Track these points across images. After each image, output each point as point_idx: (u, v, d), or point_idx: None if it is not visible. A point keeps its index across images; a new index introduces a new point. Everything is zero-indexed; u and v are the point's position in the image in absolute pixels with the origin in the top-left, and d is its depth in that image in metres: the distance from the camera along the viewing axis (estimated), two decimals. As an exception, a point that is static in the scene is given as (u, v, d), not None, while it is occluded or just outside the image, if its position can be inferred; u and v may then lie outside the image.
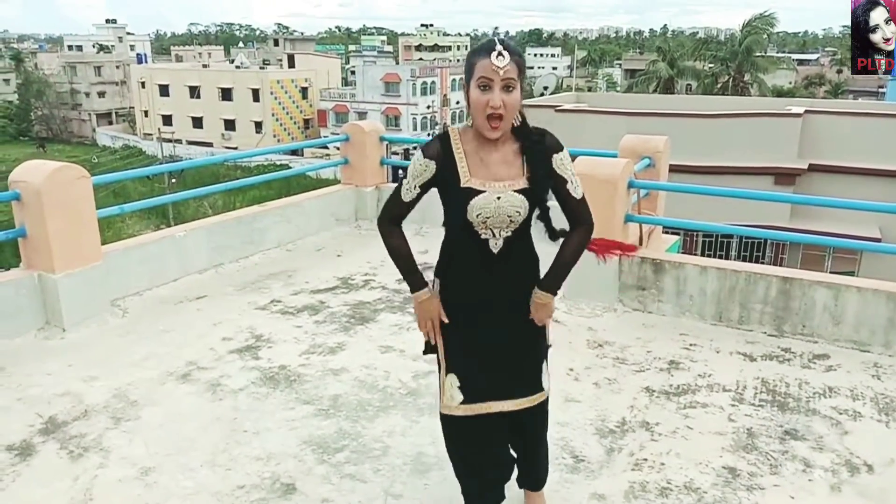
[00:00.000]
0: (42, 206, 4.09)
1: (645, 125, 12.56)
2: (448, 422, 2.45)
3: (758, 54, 35.65)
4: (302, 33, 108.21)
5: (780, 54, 61.59)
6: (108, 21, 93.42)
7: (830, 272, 11.10)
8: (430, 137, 2.43)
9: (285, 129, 53.59)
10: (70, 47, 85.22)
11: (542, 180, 2.26)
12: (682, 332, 4.44)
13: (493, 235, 2.26)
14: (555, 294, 2.39)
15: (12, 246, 4.77)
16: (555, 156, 2.27)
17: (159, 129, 49.79)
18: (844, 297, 4.20)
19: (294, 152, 45.88)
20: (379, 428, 3.33)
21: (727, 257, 13.12)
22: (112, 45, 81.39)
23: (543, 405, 2.51)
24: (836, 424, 3.41)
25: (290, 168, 31.93)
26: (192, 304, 4.81)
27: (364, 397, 3.61)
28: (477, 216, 2.22)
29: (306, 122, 55.52)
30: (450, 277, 2.39)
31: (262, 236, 5.83)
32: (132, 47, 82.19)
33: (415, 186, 2.31)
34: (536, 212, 2.30)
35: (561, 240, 2.41)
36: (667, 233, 6.03)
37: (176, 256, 5.12)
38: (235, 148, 47.31)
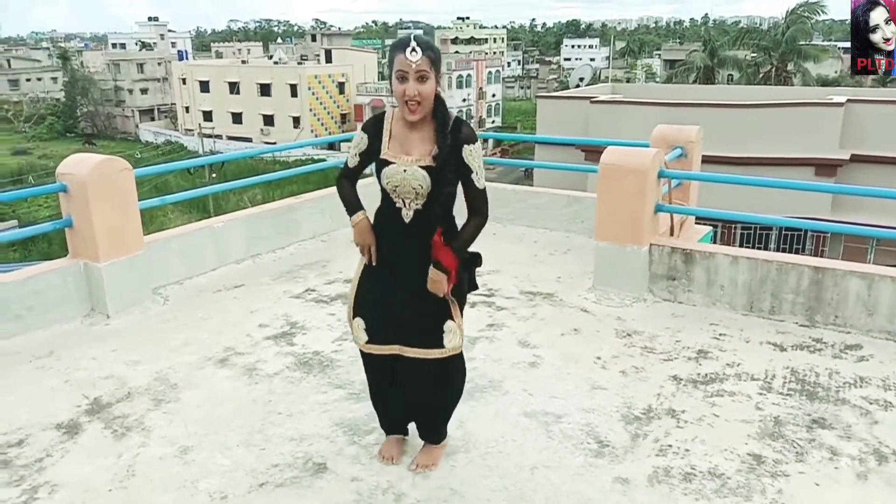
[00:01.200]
0: (87, 198, 4.26)
1: (681, 116, 12.42)
2: (362, 354, 2.93)
3: (802, 43, 34.81)
4: (339, 28, 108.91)
5: (825, 42, 59.90)
6: (150, 19, 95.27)
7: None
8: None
9: (322, 124, 54.10)
10: (114, 45, 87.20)
11: (446, 162, 2.57)
12: (713, 322, 4.44)
13: (405, 205, 2.64)
14: (446, 274, 2.63)
15: (61, 238, 4.96)
16: (466, 146, 2.59)
17: (200, 124, 50.72)
18: (878, 287, 4.15)
19: (331, 146, 46.34)
20: (408, 412, 3.42)
21: (766, 250, 12.92)
22: (154, 43, 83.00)
23: (445, 363, 2.78)
24: (866, 414, 3.39)
25: (326, 161, 32.21)
26: (230, 292, 4.97)
27: (394, 383, 3.69)
28: (387, 183, 2.62)
29: (343, 116, 55.95)
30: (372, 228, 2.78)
31: (297, 227, 5.97)
32: (173, 44, 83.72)
33: (355, 154, 2.74)
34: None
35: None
36: (700, 223, 6.01)
37: (214, 247, 5.29)
38: (274, 143, 47.93)
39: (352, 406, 3.48)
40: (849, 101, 13.60)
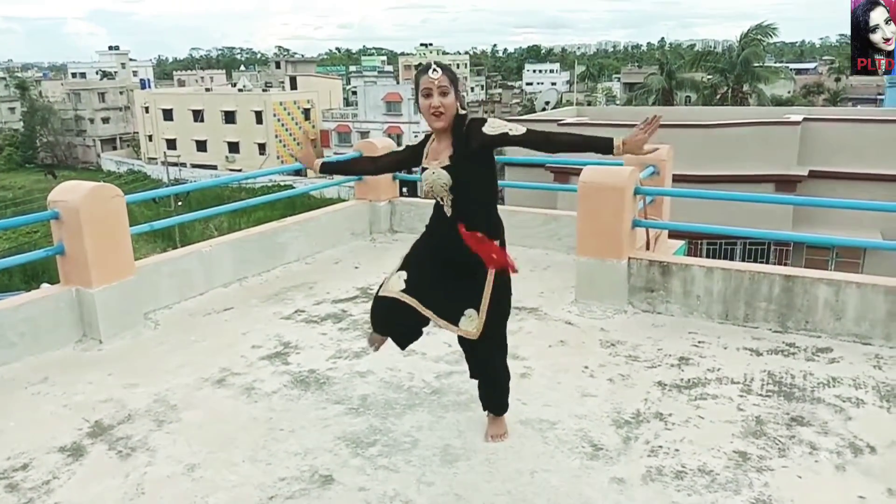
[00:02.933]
0: (80, 224, 4.32)
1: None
2: (381, 300, 3.25)
3: (756, 65, 35.99)
4: (303, 55, 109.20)
5: (777, 64, 61.97)
6: (110, 48, 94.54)
7: (834, 276, 11.25)
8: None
9: (289, 151, 54.03)
10: (74, 74, 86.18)
11: (465, 157, 2.98)
12: (691, 330, 4.64)
13: (443, 201, 3.08)
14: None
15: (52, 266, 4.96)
16: (481, 128, 2.97)
17: (164, 152, 50.28)
18: (845, 292, 4.40)
19: (297, 172, 46.21)
20: (407, 424, 3.53)
21: (731, 264, 13.28)
22: (115, 72, 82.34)
23: (481, 341, 3.17)
24: (840, 411, 3.60)
25: (294, 188, 32.22)
26: (220, 315, 5.03)
27: (391, 396, 3.81)
28: (424, 185, 3.11)
29: (311, 142, 55.97)
30: (428, 226, 3.25)
31: (282, 250, 6.06)
32: (135, 73, 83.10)
33: (396, 150, 3.58)
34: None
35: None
36: (673, 237, 6.25)
37: (203, 271, 5.35)
38: (240, 170, 47.70)
39: (352, 420, 3.57)
40: (805, 119, 14.16)
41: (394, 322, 3.31)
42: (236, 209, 6.65)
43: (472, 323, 3.14)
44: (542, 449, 3.29)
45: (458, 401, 3.75)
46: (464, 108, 3.06)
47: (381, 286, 3.28)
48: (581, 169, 4.96)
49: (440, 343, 4.48)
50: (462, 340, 3.26)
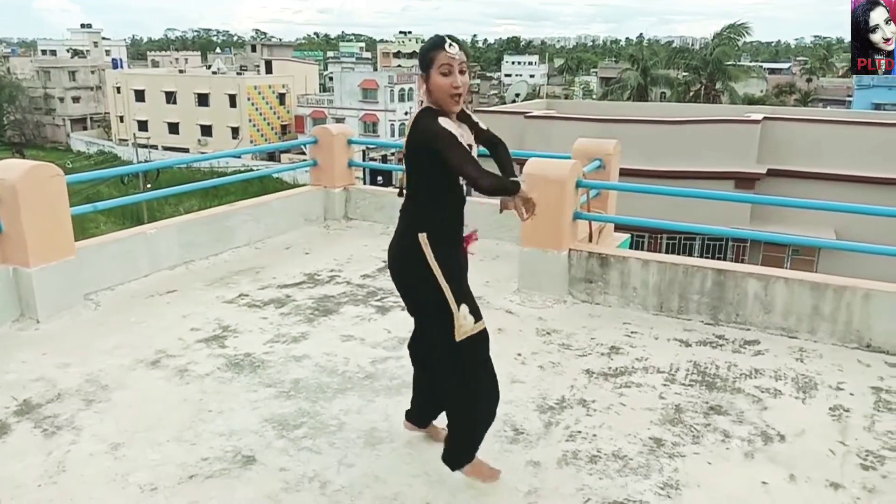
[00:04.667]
0: (18, 203, 4.29)
1: (610, 131, 12.95)
2: (473, 341, 2.81)
3: (728, 63, 36.44)
4: (280, 39, 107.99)
5: (752, 63, 62.74)
6: (83, 26, 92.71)
7: (788, 273, 11.50)
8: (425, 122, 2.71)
9: (262, 135, 53.59)
10: (44, 52, 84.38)
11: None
12: (626, 321, 4.74)
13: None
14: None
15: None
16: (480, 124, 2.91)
17: (135, 134, 49.57)
18: (773, 287, 4.53)
19: (271, 157, 45.93)
20: (336, 407, 3.58)
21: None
22: (87, 50, 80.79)
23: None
24: (757, 401, 3.72)
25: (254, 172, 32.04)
26: (163, 297, 5.03)
27: (324, 381, 3.86)
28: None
29: (284, 127, 55.56)
30: (451, 233, 2.83)
31: (231, 235, 6.05)
32: (108, 52, 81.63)
33: (468, 145, 2.72)
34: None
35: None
36: (620, 232, 6.36)
37: (147, 253, 5.33)
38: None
39: (282, 403, 3.62)
40: (765, 118, 14.41)
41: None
42: (185, 191, 6.62)
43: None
44: (464, 433, 3.36)
45: (390, 385, 3.81)
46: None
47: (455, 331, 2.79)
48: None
49: (380, 329, 4.54)
50: None
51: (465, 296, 2.80)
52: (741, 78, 36.87)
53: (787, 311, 4.51)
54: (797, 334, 4.51)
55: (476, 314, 2.82)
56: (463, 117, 2.85)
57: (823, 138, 14.08)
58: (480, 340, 2.85)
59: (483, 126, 2.96)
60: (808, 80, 63.31)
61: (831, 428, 3.48)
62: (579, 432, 3.39)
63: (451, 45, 2.62)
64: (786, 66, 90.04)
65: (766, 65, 79.20)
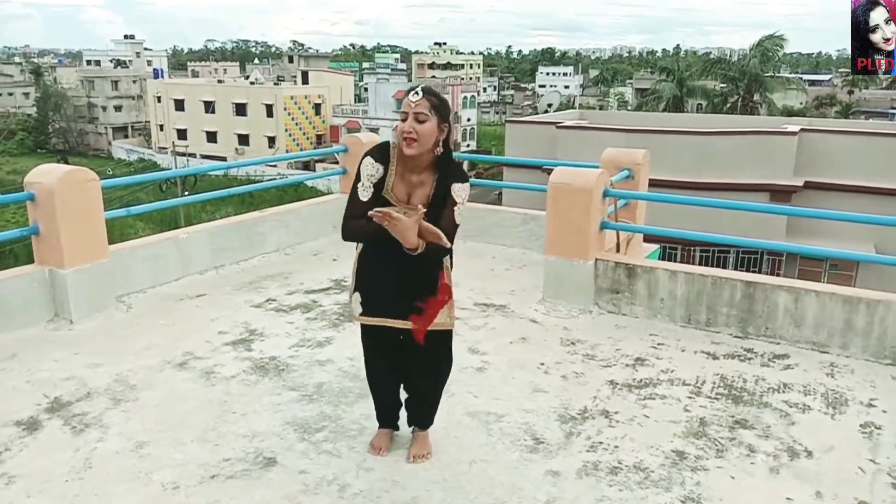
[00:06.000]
0: (54, 206, 4.41)
1: (643, 141, 12.84)
2: (361, 330, 3.16)
3: (767, 74, 35.88)
4: (317, 51, 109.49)
5: (791, 75, 61.74)
6: (126, 37, 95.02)
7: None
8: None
9: (298, 144, 54.22)
10: (89, 62, 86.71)
11: (436, 202, 2.82)
12: (652, 332, 4.69)
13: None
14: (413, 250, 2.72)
15: (27, 255, 5.06)
16: (455, 185, 2.83)
17: (174, 142, 50.54)
18: (804, 300, 4.44)
19: (306, 166, 46.43)
20: (358, 412, 3.60)
21: (725, 272, 13.29)
22: (129, 61, 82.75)
23: (436, 337, 3.01)
24: (785, 416, 3.64)
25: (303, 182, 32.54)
26: (192, 301, 5.12)
27: (346, 385, 3.88)
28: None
29: (319, 137, 56.17)
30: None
31: (261, 240, 6.14)
32: (149, 62, 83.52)
33: (369, 186, 2.87)
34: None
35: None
36: (651, 243, 6.30)
37: (179, 257, 5.44)
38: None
39: (304, 406, 3.65)
40: (802, 130, 14.15)
41: (378, 379, 3.32)
42: (216, 197, 6.74)
43: (443, 315, 3.04)
44: (484, 440, 3.36)
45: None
46: (448, 146, 2.85)
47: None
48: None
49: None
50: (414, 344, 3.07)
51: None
52: (779, 89, 36.30)
53: (819, 325, 4.42)
54: (828, 349, 4.41)
55: (364, 307, 3.04)
56: (438, 167, 2.85)
57: (863, 150, 13.77)
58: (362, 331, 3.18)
59: (455, 195, 2.81)
60: (850, 92, 62.07)
61: (861, 445, 3.39)
62: (601, 443, 3.35)
63: (415, 92, 2.78)
64: (826, 77, 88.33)
65: (806, 76, 77.88)
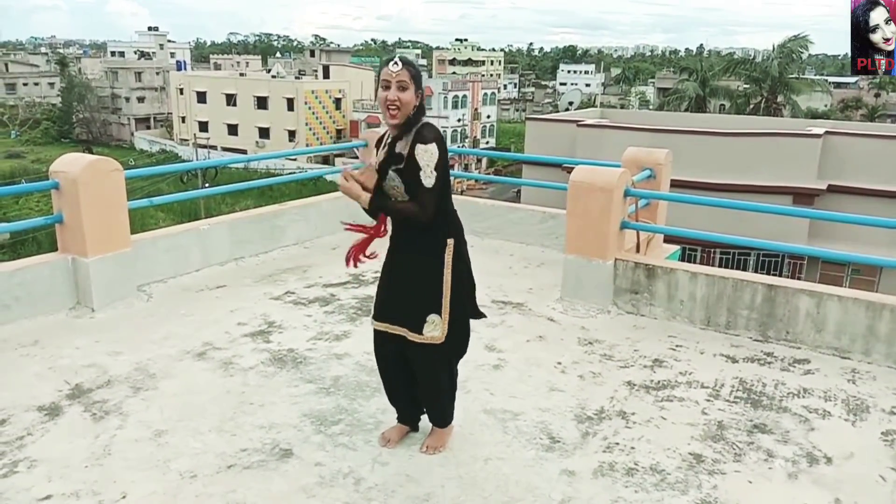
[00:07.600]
0: (78, 195, 4.46)
1: (665, 141, 12.73)
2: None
3: (791, 76, 35.43)
4: (339, 45, 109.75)
5: (816, 77, 60.90)
6: (150, 28, 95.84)
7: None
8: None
9: (318, 139, 54.41)
10: (113, 53, 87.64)
11: (401, 161, 2.88)
12: (671, 334, 4.65)
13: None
14: (367, 209, 3.01)
15: (49, 243, 5.13)
16: (419, 145, 2.84)
17: (195, 134, 50.97)
18: (826, 305, 4.38)
19: (325, 161, 46.63)
20: (374, 406, 3.61)
21: (745, 275, 13.17)
22: (153, 52, 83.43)
23: (426, 349, 3.02)
24: (805, 421, 3.60)
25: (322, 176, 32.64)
26: (212, 292, 5.15)
27: (363, 379, 3.89)
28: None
29: (339, 132, 56.32)
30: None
31: (282, 233, 6.17)
32: (172, 54, 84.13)
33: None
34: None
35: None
36: (671, 244, 6.24)
37: (199, 248, 5.48)
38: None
39: (321, 399, 3.67)
40: (827, 132, 13.97)
41: (386, 380, 3.40)
42: (235, 190, 6.77)
43: (436, 329, 3.03)
44: (500, 438, 3.35)
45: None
46: (422, 111, 2.92)
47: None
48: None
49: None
50: (410, 349, 3.12)
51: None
52: (804, 91, 35.80)
53: (840, 330, 4.36)
54: (850, 355, 4.36)
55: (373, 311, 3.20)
56: (413, 130, 2.89)
57: (889, 154, 13.56)
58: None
59: (419, 159, 2.83)
60: (877, 95, 61.19)
61: (882, 453, 3.35)
62: (617, 444, 3.34)
63: (395, 63, 2.84)
64: (853, 80, 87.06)
65: (831, 78, 76.80)
